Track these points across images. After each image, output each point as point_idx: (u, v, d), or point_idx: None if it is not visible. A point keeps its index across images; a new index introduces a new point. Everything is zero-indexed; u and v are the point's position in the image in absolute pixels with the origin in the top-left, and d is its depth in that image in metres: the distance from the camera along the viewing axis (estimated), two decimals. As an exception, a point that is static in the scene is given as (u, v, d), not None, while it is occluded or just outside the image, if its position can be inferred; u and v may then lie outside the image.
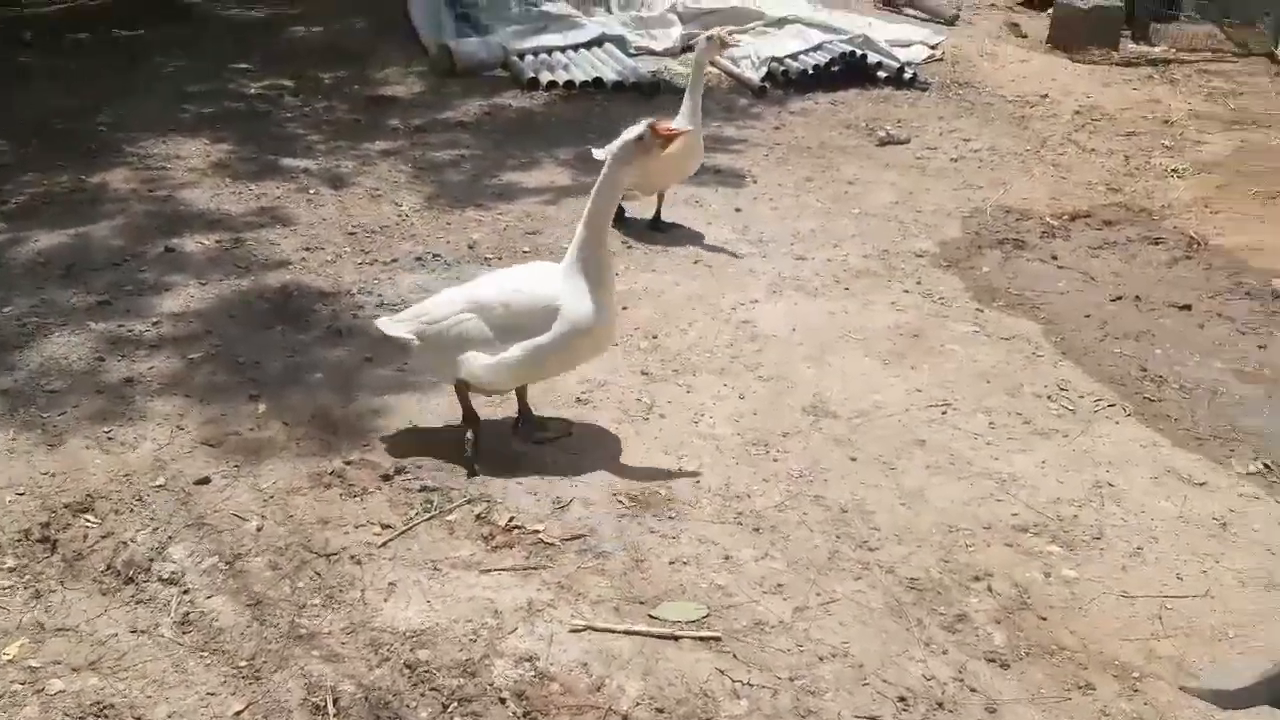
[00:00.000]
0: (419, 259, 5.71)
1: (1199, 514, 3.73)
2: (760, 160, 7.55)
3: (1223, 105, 9.01)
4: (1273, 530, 3.65)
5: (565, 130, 8.15)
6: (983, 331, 5.06)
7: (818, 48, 9.65)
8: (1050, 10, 11.29)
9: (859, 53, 9.49)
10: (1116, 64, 10.23)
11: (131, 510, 3.68)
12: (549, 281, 3.78)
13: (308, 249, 5.82)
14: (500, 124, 8.29)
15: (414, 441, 4.11)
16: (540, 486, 3.83)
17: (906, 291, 5.47)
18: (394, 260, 5.69)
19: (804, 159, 7.60)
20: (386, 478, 3.88)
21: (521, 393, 4.14)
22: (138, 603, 3.27)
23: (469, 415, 3.99)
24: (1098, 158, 7.68)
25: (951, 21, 11.57)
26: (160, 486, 3.80)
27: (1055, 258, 5.96)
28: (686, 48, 10.52)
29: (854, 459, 4.02)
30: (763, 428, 4.22)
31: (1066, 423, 4.29)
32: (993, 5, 12.75)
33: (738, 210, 6.54)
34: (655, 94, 9.09)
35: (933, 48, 10.41)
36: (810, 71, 9.29)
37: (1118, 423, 4.32)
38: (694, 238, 6.08)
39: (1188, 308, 5.36)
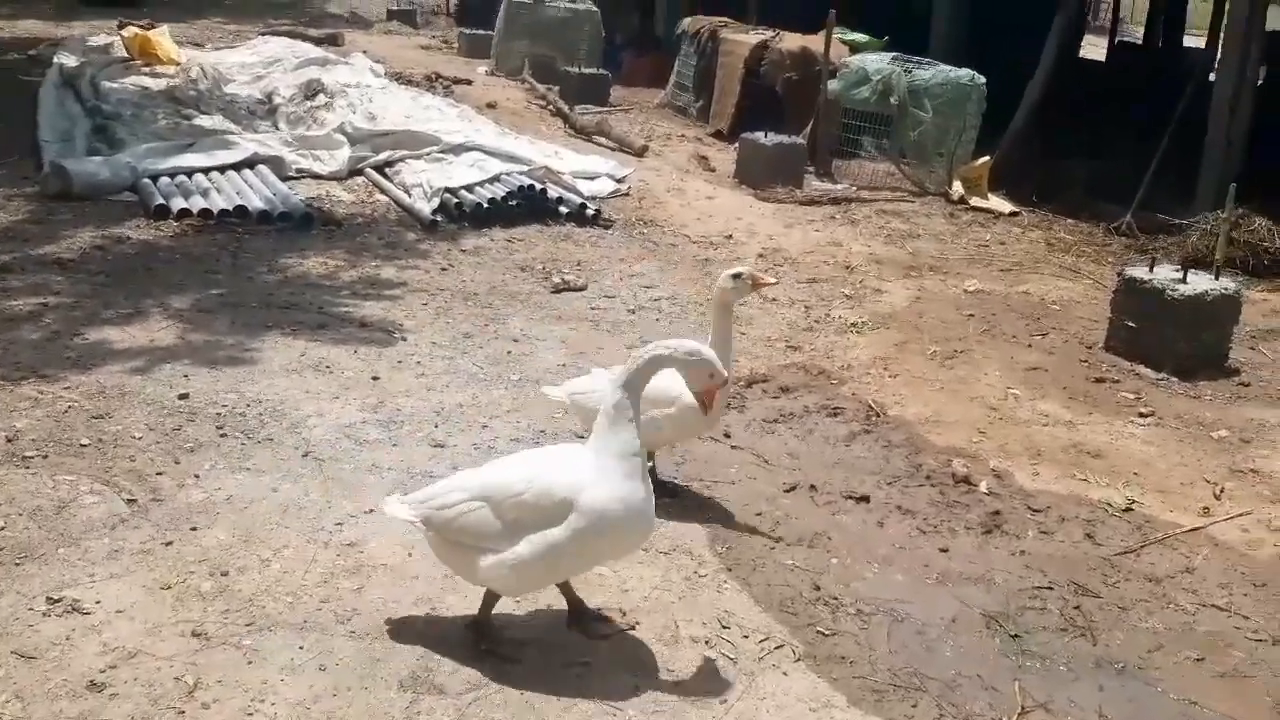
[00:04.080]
0: (-73, 464, 4.36)
1: (876, 818, 3.01)
2: (417, 311, 6.64)
3: (900, 248, 8.94)
4: (961, 837, 2.98)
5: (189, 270, 6.96)
6: (640, 543, 4.27)
7: (495, 179, 8.96)
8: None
9: (538, 186, 8.85)
10: (801, 202, 10.10)
11: None
12: (572, 466, 3.35)
13: None
14: (111, 262, 7.00)
15: None
16: None
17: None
18: (-111, 467, 4.32)
19: (468, 309, 6.75)
20: None
21: (566, 584, 3.68)
22: None
23: (482, 621, 3.55)
24: (779, 308, 7.26)
25: (641, 153, 11.23)
26: None
27: (729, 435, 5.33)
28: (355, 171, 9.61)
29: (456, 763, 3.07)
30: (342, 717, 3.19)
31: (709, 682, 3.50)
32: (683, 136, 12.59)
33: (375, 379, 5.56)
34: (307, 226, 8.06)
35: (619, 181, 9.95)
36: (486, 205, 8.54)
37: (785, 673, 3.59)
38: (306, 421, 5.03)
39: (866, 499, 4.81)
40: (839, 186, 10.86)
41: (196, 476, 4.45)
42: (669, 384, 4.15)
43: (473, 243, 8.12)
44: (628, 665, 3.53)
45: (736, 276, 4.39)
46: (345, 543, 4.06)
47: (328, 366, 5.64)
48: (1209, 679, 3.78)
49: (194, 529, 4.07)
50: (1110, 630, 4.00)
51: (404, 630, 3.60)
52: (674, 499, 4.61)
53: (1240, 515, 4.89)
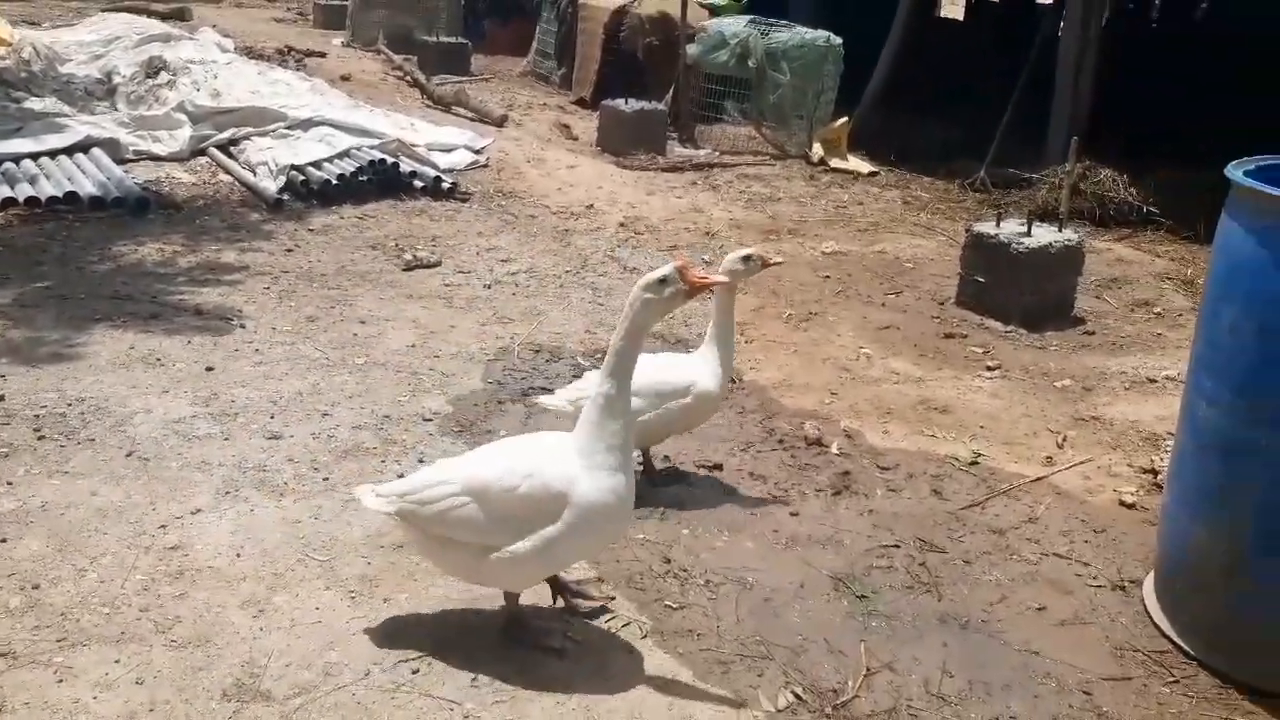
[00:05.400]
0: None
1: (716, 795, 2.97)
2: (259, 295, 6.37)
3: (761, 212, 8.95)
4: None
5: (12, 263, 6.56)
6: (486, 527, 4.15)
7: (344, 154, 8.66)
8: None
9: (390, 161, 8.59)
10: (663, 169, 10.03)
11: None
12: (561, 458, 3.21)
13: None
14: (-76, 258, 6.54)
15: None
16: None
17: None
18: None
19: (313, 291, 6.50)
20: None
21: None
22: None
23: (514, 615, 3.50)
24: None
25: (501, 122, 11.02)
26: None
27: (582, 410, 5.23)
28: (198, 151, 9.19)
29: (277, 772, 2.92)
30: (157, 733, 3.02)
31: (555, 665, 3.41)
32: (545, 105, 12.40)
33: (209, 370, 5.30)
34: (144, 211, 7.67)
35: (477, 152, 9.75)
36: (335, 182, 8.25)
37: (632, 652, 3.52)
38: (132, 418, 4.76)
39: (719, 467, 4.78)
40: (702, 152, 10.83)
41: (9, 484, 4.16)
42: (680, 375, 4.28)
43: (321, 221, 7.84)
44: (466, 657, 3.41)
45: (747, 259, 4.24)
46: (168, 546, 3.85)
47: (158, 359, 5.37)
48: (1050, 627, 3.84)
49: (4, 541, 3.80)
50: (955, 585, 4.04)
51: (224, 635, 3.43)
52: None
53: (1081, 463, 5.01)
